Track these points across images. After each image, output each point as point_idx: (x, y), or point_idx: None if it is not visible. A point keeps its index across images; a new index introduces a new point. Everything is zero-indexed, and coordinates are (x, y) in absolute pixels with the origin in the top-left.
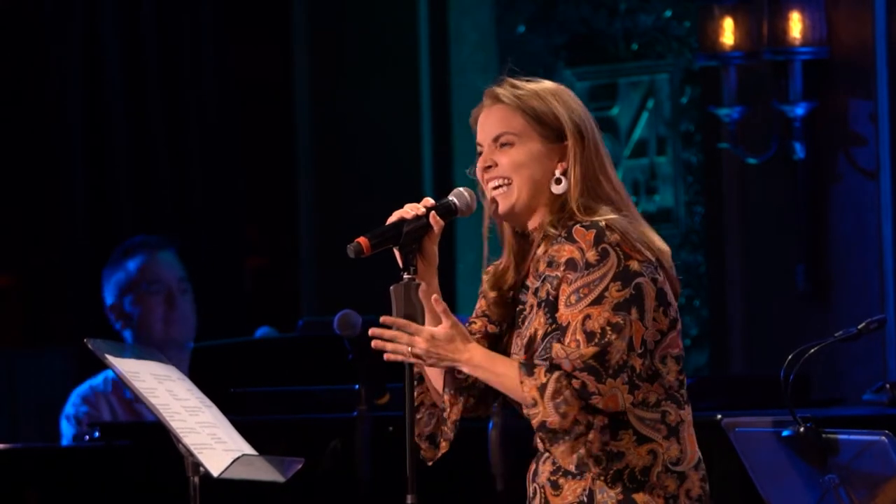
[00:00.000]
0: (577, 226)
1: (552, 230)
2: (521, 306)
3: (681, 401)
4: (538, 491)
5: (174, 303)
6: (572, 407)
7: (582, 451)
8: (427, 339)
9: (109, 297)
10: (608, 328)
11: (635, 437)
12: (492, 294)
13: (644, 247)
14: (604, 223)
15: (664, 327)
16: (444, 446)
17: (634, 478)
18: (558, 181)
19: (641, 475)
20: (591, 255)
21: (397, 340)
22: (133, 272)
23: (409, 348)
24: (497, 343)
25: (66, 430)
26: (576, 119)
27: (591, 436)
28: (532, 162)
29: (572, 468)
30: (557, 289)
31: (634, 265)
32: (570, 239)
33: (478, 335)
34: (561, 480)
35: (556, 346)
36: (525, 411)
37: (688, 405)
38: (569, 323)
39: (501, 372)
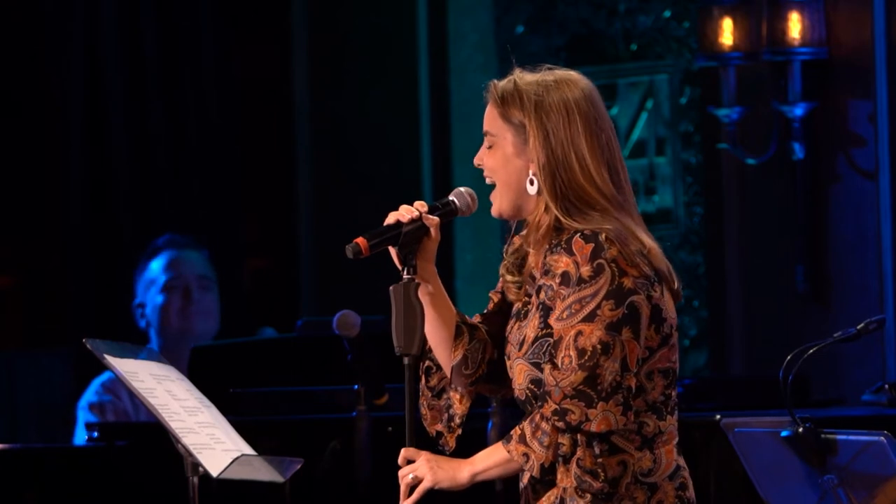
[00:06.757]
0: (577, 236)
1: (535, 241)
2: (526, 298)
3: (664, 412)
4: (523, 493)
5: (191, 297)
6: (552, 436)
7: (577, 469)
8: (428, 461)
9: (137, 295)
10: (599, 347)
11: (607, 447)
12: (508, 276)
13: (642, 260)
14: (604, 236)
15: (654, 344)
16: (454, 437)
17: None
18: (531, 181)
19: (610, 486)
20: (585, 271)
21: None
22: (156, 268)
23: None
24: (502, 326)
25: (86, 419)
26: (543, 119)
27: (579, 452)
28: (504, 166)
29: (578, 491)
30: (552, 299)
31: (628, 282)
32: (568, 251)
33: (492, 315)
34: (538, 486)
35: (547, 372)
36: (525, 469)
37: (671, 416)
38: (561, 337)
39: (496, 460)
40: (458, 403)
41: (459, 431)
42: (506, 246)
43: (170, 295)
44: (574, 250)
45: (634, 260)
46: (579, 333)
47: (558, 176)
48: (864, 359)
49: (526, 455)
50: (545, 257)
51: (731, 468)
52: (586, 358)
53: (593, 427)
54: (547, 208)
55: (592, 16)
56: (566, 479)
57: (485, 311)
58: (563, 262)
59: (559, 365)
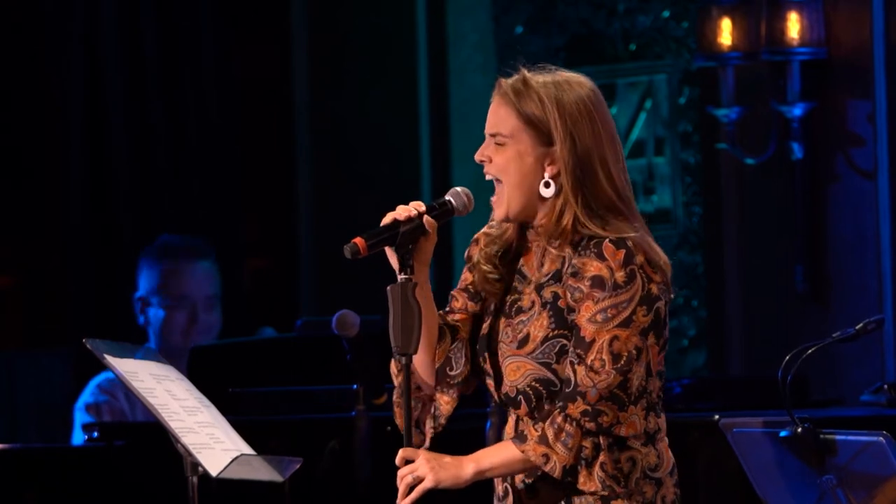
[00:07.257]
0: (606, 241)
1: (552, 240)
2: (515, 294)
3: (658, 410)
4: (510, 491)
5: (197, 318)
6: (576, 438)
7: (601, 473)
8: (428, 461)
9: (140, 288)
10: (634, 352)
11: (616, 444)
12: (486, 266)
13: (664, 267)
14: (631, 242)
15: (659, 347)
16: (430, 435)
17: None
18: (547, 185)
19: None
20: (620, 276)
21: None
22: (165, 277)
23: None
24: (476, 325)
25: (83, 420)
26: (569, 122)
27: (602, 457)
28: (518, 165)
29: (600, 493)
30: (578, 301)
31: (654, 289)
32: (599, 255)
33: (459, 314)
34: (538, 484)
35: (582, 373)
36: (545, 470)
37: (663, 413)
38: (594, 340)
39: (504, 459)
40: (444, 405)
41: (440, 429)
42: (476, 237)
43: (174, 314)
44: (606, 255)
45: (659, 266)
46: (615, 338)
47: (582, 180)
48: (863, 359)
49: (546, 456)
50: (563, 258)
51: (730, 468)
52: (622, 363)
53: (623, 431)
54: (564, 210)
55: (592, 16)
56: (590, 483)
57: (448, 308)
58: (593, 266)
59: (590, 367)
